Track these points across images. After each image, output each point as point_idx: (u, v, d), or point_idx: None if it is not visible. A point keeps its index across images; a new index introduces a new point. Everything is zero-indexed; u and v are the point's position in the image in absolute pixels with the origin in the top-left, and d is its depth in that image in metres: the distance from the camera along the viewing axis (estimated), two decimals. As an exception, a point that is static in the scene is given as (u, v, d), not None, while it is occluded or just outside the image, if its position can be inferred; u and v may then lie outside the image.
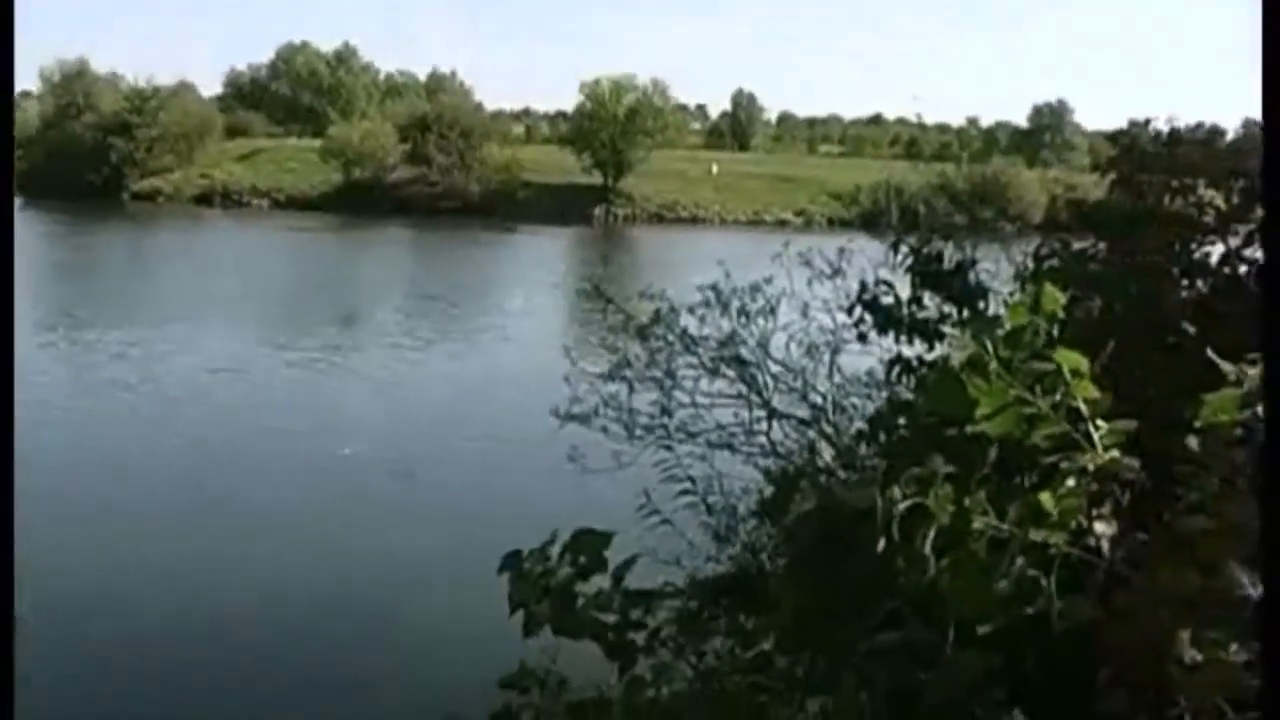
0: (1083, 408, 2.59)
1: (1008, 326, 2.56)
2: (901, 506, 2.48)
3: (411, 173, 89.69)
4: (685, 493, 9.13)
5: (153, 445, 24.74)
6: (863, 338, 7.38)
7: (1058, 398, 2.56)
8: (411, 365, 33.53)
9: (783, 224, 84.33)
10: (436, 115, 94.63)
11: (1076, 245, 6.45)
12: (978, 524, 2.49)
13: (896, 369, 6.62)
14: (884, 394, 7.58)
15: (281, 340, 35.99)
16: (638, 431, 9.72)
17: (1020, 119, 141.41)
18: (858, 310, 7.20)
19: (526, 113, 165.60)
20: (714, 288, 10.04)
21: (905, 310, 6.88)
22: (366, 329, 39.18)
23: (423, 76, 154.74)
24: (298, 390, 30.23)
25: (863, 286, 7.24)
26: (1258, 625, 2.30)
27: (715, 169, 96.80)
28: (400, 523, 20.23)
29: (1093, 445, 2.58)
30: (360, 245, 68.84)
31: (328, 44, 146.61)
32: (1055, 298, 2.62)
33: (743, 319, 9.77)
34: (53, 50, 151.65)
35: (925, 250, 6.98)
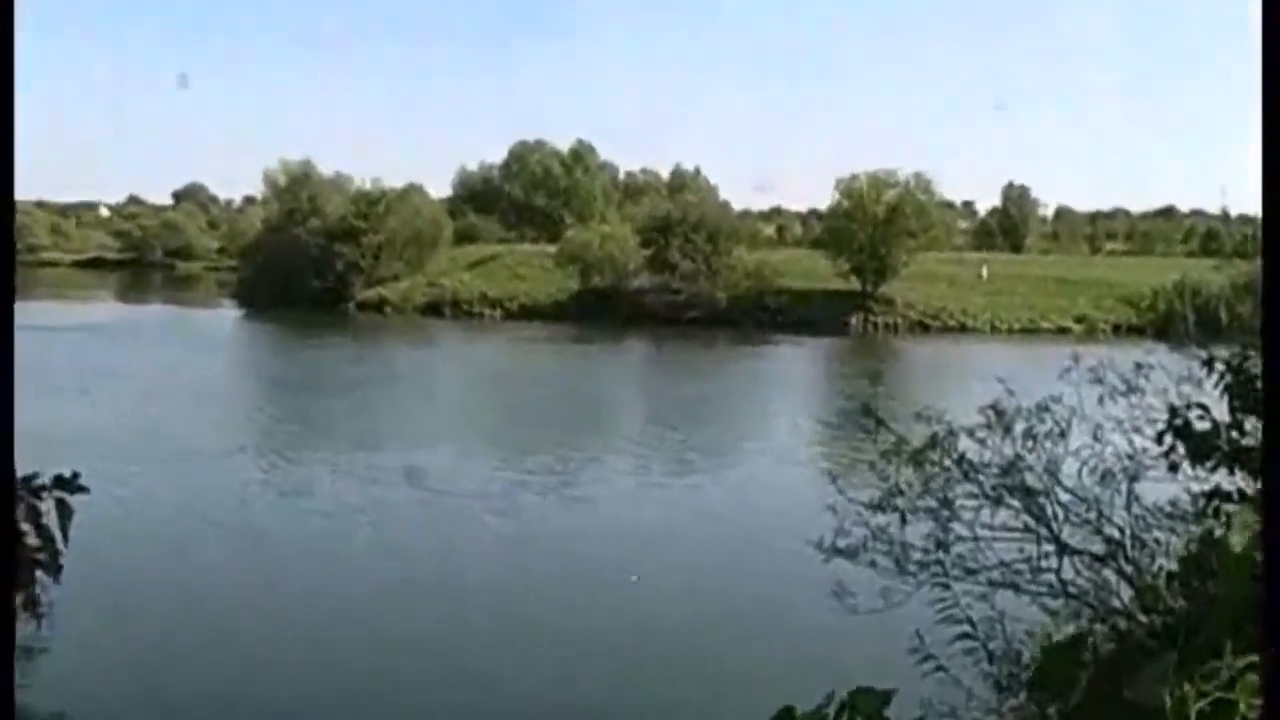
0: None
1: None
2: (1203, 703, 2.45)
3: (653, 279, 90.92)
4: (964, 636, 9.02)
5: (423, 580, 24.90)
6: (1174, 468, 7.20)
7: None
8: (668, 490, 33.77)
9: (1062, 332, 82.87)
10: (680, 216, 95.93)
11: None
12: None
13: (1214, 503, 6.45)
14: (1194, 528, 7.38)
15: (526, 463, 36.55)
16: (910, 567, 9.65)
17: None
18: (1168, 438, 7.04)
19: (777, 212, 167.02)
20: (994, 408, 9.94)
21: (1223, 437, 6.70)
22: (614, 451, 39.57)
23: (665, 174, 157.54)
24: (554, 518, 30.58)
25: (1173, 411, 7.09)
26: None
27: (985, 271, 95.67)
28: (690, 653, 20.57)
29: None
30: (600, 359, 69.95)
31: (563, 141, 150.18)
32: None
33: (1028, 443, 9.64)
34: (278, 153, 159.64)
35: (1244, 366, 6.80)
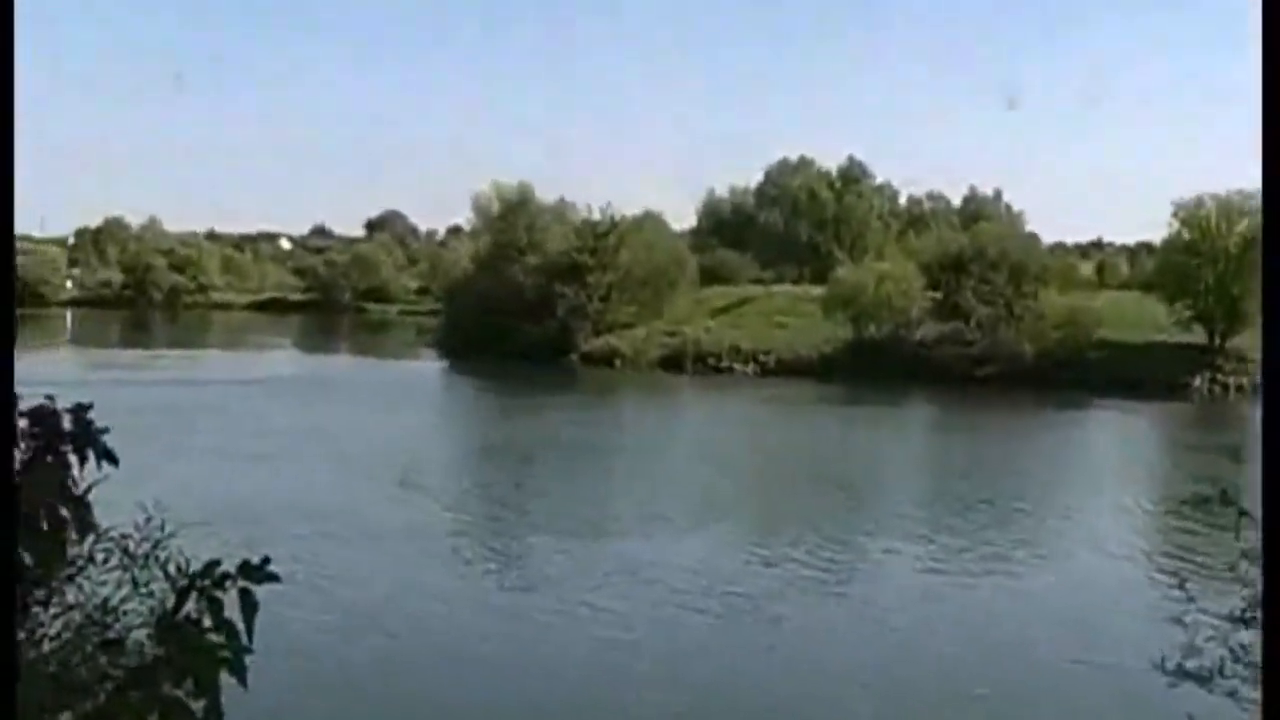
0: None
1: None
2: None
3: (941, 328, 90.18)
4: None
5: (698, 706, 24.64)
6: None
7: None
8: (972, 590, 33.17)
9: None
10: (975, 251, 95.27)
11: None
12: None
13: None
14: None
15: (795, 553, 36.06)
16: (1285, 700, 9.30)
17: None
18: None
19: (1097, 245, 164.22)
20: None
21: None
22: (902, 538, 39.07)
23: (956, 199, 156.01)
24: (837, 624, 30.13)
25: None
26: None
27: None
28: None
29: None
30: (877, 424, 69.17)
31: (831, 160, 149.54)
32: None
33: None
34: (490, 174, 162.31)
35: None
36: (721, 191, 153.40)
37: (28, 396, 4.95)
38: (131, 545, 8.07)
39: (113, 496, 5.27)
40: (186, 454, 47.29)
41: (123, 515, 6.44)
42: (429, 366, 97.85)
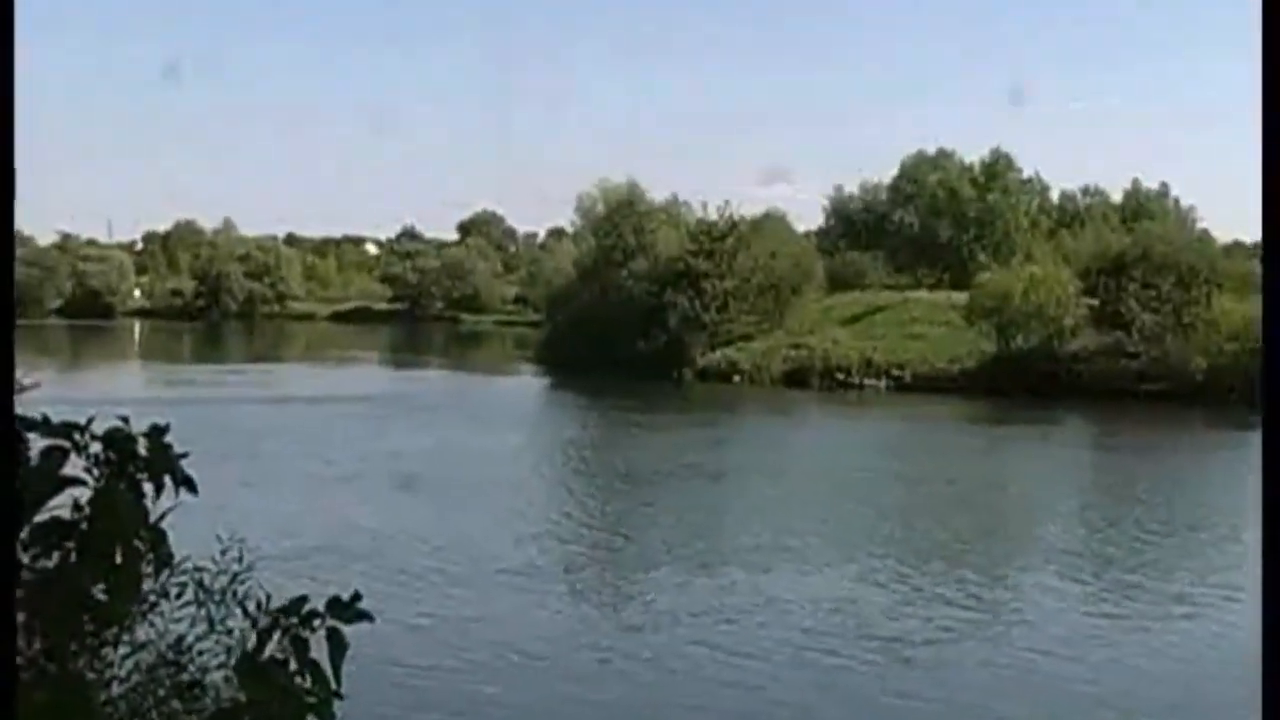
0: None
1: None
2: None
3: (1099, 339, 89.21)
4: None
5: None
6: None
7: None
8: (1147, 634, 32.74)
9: None
10: (1139, 253, 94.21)
11: None
12: None
13: None
14: None
15: (937, 591, 35.82)
16: None
17: None
18: None
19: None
20: None
21: None
22: (1058, 575, 38.67)
23: (1116, 195, 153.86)
24: (985, 675, 29.76)
25: None
26: None
27: None
28: None
29: None
30: (1026, 445, 68.72)
31: (973, 152, 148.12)
32: None
33: None
34: (594, 171, 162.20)
35: None
36: (851, 188, 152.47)
37: (97, 416, 4.90)
38: (207, 579, 8.07)
39: (179, 526, 5.21)
40: (261, 481, 47.67)
41: (189, 548, 6.41)
42: (529, 382, 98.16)
